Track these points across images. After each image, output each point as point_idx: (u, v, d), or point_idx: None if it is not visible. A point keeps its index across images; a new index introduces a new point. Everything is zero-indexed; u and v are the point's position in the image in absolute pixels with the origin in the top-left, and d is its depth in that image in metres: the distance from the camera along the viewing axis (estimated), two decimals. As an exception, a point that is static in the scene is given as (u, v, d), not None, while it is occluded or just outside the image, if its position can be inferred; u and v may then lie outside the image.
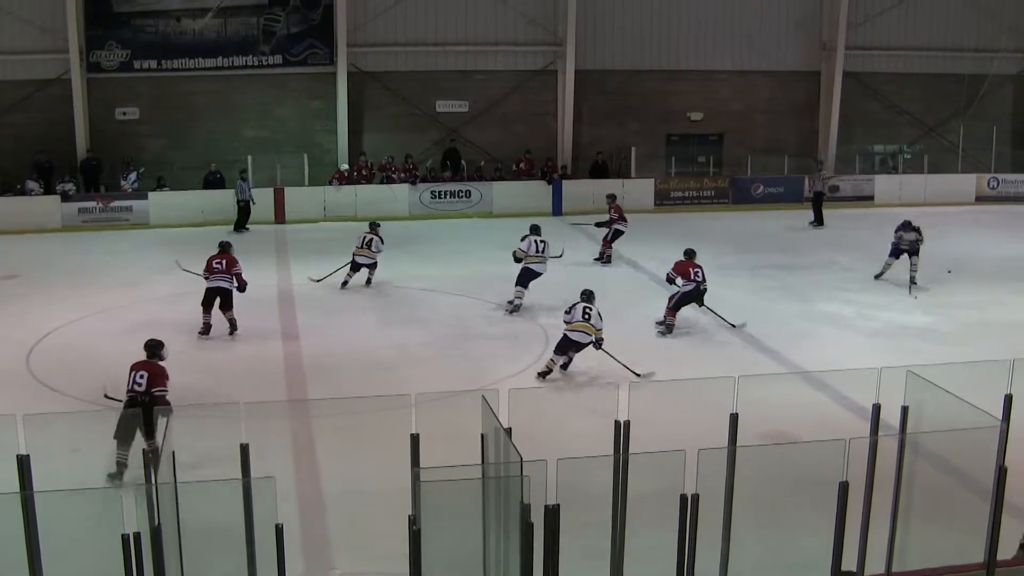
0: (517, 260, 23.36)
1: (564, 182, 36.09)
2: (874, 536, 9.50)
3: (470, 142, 37.31)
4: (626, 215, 28.94)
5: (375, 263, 25.25)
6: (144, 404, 13.49)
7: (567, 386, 17.99)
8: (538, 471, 7.50)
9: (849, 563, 9.21)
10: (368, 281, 25.33)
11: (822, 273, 26.83)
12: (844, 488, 8.53)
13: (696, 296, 21.67)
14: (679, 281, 21.62)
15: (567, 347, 18.46)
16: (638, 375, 18.11)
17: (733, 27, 38.76)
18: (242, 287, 20.97)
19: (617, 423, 9.01)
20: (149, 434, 13.16)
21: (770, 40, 39.35)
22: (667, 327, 21.46)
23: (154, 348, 14.35)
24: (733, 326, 21.84)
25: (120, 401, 13.94)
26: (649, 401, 9.45)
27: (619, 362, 18.26)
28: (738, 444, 9.02)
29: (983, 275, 26.72)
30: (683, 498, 8.16)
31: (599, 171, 37.01)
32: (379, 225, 25.98)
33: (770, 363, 19.84)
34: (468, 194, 35.57)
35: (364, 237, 25.26)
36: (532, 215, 33.42)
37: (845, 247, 30.18)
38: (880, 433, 9.83)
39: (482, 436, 8.97)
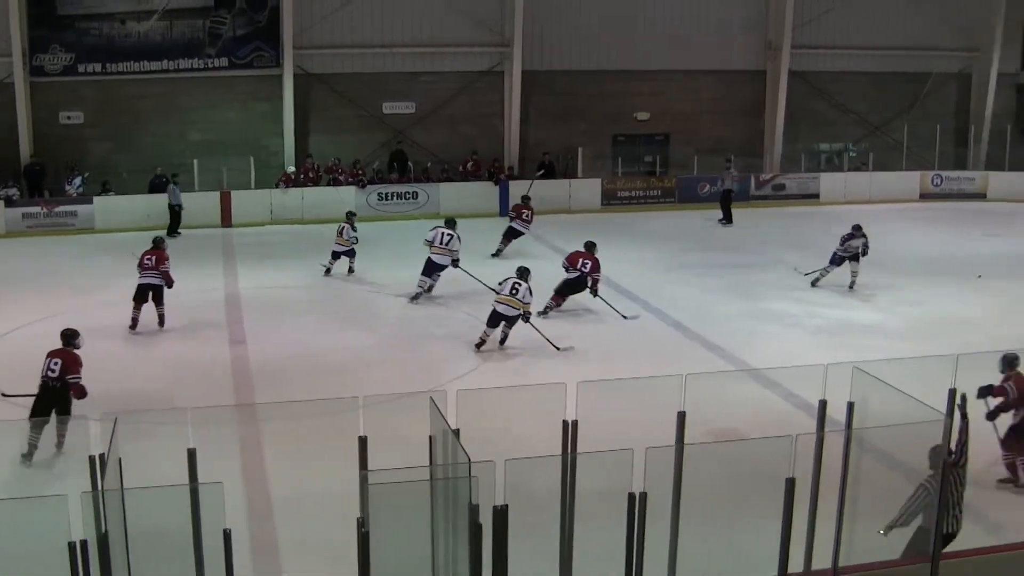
0: (427, 244, 24.34)
1: (511, 183, 36.07)
2: (821, 531, 9.56)
3: (417, 144, 37.24)
4: (530, 220, 30.06)
5: (352, 251, 26.45)
6: (57, 390, 14.34)
7: (515, 386, 18.01)
8: (486, 472, 7.50)
9: (796, 558, 9.26)
10: (350, 269, 26.51)
11: (769, 271, 26.93)
12: (791, 484, 8.59)
13: (578, 285, 22.79)
14: (570, 270, 22.89)
15: (496, 320, 19.84)
16: (558, 348, 19.68)
17: (680, 27, 38.87)
18: (169, 284, 21.44)
19: (565, 423, 9.02)
20: (63, 411, 14.29)
21: (716, 40, 39.51)
22: (547, 309, 22.50)
23: (69, 337, 15.00)
24: (625, 317, 22.48)
25: (25, 396, 14.91)
26: (597, 400, 9.45)
27: (543, 335, 19.76)
28: (686, 442, 9.05)
29: (928, 272, 26.94)
30: (631, 497, 8.18)
31: (547, 172, 37.01)
32: (354, 214, 27.21)
33: (718, 361, 19.93)
34: (415, 196, 35.49)
35: (339, 226, 26.56)
36: (479, 216, 33.56)
37: (792, 245, 30.34)
38: (826, 429, 9.89)
39: (430, 438, 8.96)
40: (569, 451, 8.86)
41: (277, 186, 35.03)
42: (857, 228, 25.41)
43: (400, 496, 7.82)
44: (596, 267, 22.82)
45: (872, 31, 41.05)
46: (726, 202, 34.82)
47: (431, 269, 24.07)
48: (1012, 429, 13.78)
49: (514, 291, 19.89)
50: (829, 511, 9.52)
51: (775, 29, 39.61)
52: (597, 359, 19.56)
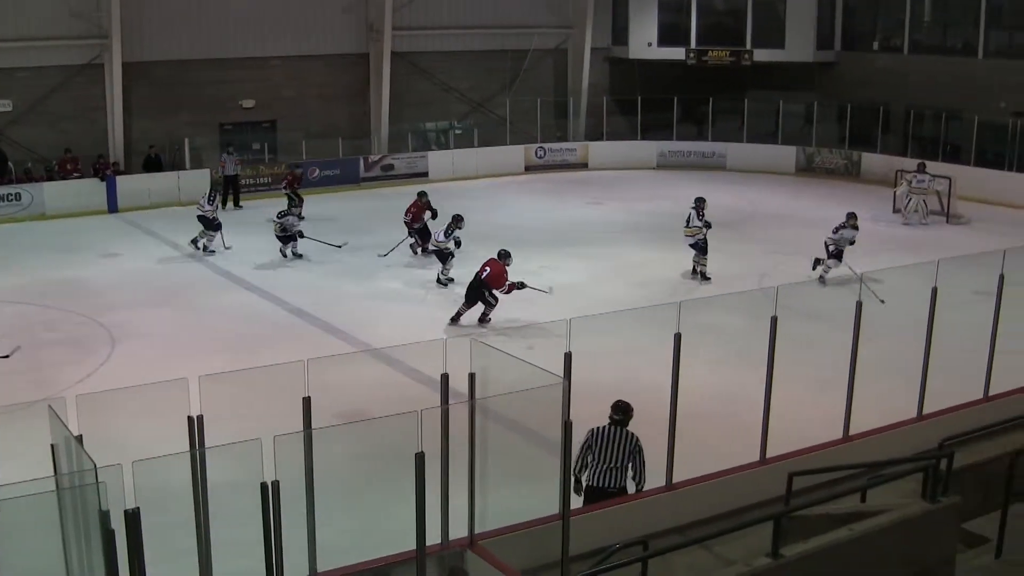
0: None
1: (118, 178, 34.96)
2: (456, 501, 9.83)
3: (16, 143, 35.46)
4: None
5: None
6: None
7: (137, 386, 17.60)
8: (114, 476, 7.35)
9: (433, 530, 9.50)
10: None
11: (382, 251, 27.23)
12: (421, 458, 8.79)
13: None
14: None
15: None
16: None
17: (282, 12, 38.54)
18: None
19: (190, 418, 8.93)
20: None
21: (319, 24, 39.46)
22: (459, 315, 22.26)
23: None
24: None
25: None
26: (222, 393, 9.41)
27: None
28: (314, 427, 9.12)
29: (538, 242, 27.97)
30: (264, 486, 8.19)
31: (153, 165, 36.09)
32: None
33: (340, 344, 20.12)
34: (18, 197, 33.78)
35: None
36: (87, 214, 32.49)
37: (403, 225, 30.71)
38: (451, 402, 10.14)
39: (52, 447, 8.69)
40: (197, 447, 8.78)
41: None
42: (851, 217, 25.41)
43: (26, 511, 7.55)
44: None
45: (472, 11, 42.12)
46: (234, 188, 35.06)
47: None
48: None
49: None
50: (461, 481, 9.80)
51: (375, 12, 39.91)
52: (220, 350, 19.39)
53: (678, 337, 11.13)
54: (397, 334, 19.82)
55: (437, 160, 40.55)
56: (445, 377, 10.08)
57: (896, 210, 33.22)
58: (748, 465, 12.12)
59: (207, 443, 8.74)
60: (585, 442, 11.84)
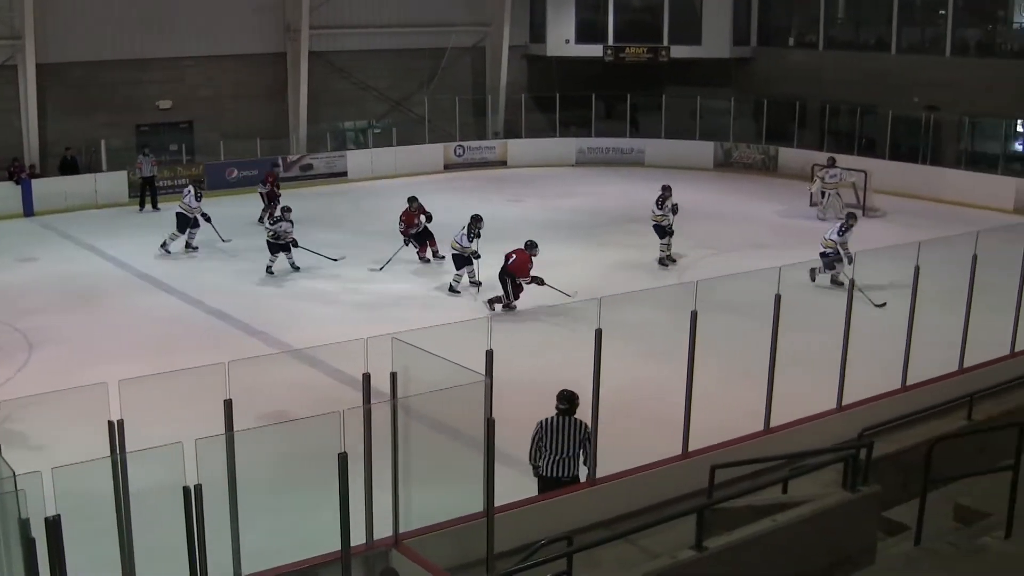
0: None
1: (34, 181, 34.46)
2: (380, 502, 9.82)
3: (-75, 147, 34.90)
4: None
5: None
6: None
7: (56, 391, 17.42)
8: (34, 483, 7.26)
9: (358, 530, 9.48)
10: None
11: (302, 252, 26.92)
12: (344, 459, 8.77)
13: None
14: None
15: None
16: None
17: (198, 12, 38.11)
18: None
19: (111, 423, 8.84)
20: None
21: (236, 24, 39.05)
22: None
23: None
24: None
25: None
26: (142, 397, 9.32)
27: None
28: (235, 429, 9.07)
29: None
30: (186, 490, 8.14)
31: (69, 168, 35.62)
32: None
33: (261, 345, 20.02)
34: (-68, 201, 33.26)
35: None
36: (3, 218, 32.02)
37: (324, 223, 30.65)
38: (373, 401, 10.13)
39: (-33, 456, 8.57)
40: (118, 451, 8.70)
41: None
42: (851, 217, 25.00)
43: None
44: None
45: (389, 9, 41.95)
46: (151, 189, 34.50)
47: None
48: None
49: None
50: (386, 481, 9.79)
51: (292, 12, 39.65)
52: (140, 354, 19.19)
53: (599, 333, 11.19)
54: (318, 334, 19.73)
55: (356, 159, 40.36)
56: (367, 377, 10.07)
57: (812, 204, 33.62)
58: (671, 459, 12.22)
59: (128, 448, 8.66)
60: (536, 435, 11.92)
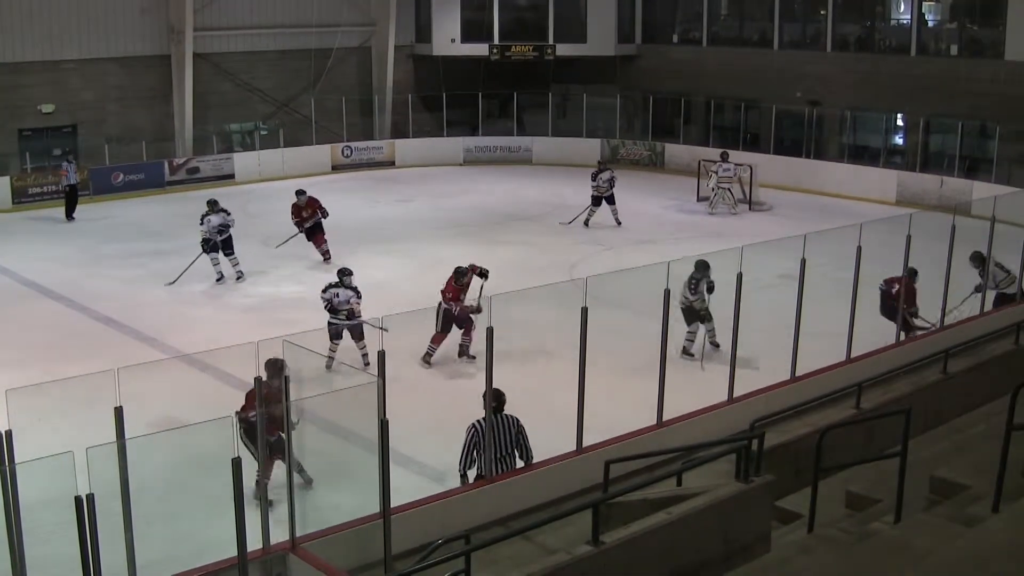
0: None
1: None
2: (276, 505, 9.78)
3: None
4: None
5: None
6: None
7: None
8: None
9: (254, 535, 9.43)
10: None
11: (189, 256, 26.46)
12: (237, 463, 8.74)
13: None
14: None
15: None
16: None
17: (79, 15, 37.47)
18: None
19: (-1, 434, 8.71)
20: None
21: (117, 26, 38.41)
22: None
23: None
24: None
25: None
26: (31, 406, 9.19)
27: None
28: (127, 437, 8.96)
29: (346, 240, 27.78)
30: (78, 500, 8.04)
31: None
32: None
33: (151, 351, 19.78)
34: None
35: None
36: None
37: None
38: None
39: None
40: (7, 462, 8.56)
41: None
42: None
43: None
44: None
45: (274, 10, 41.67)
46: (72, 198, 33.75)
47: None
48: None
49: None
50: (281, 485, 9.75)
51: (176, 14, 39.12)
52: (28, 362, 18.86)
53: (490, 331, 11.25)
54: (208, 339, 19.55)
55: (243, 161, 39.99)
56: (258, 380, 10.03)
57: (702, 199, 34.04)
58: (565, 455, 12.30)
59: (17, 458, 8.52)
60: (471, 439, 11.91)
